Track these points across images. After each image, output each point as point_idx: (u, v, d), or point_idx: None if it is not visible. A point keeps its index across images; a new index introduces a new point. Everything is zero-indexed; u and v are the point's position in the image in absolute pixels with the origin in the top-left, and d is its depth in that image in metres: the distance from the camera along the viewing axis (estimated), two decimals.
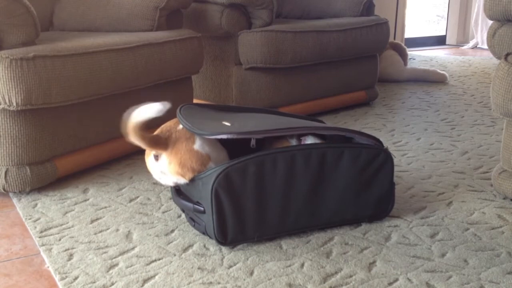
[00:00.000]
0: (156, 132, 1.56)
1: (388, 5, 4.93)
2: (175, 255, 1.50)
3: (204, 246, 1.55)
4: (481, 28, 5.62)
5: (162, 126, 1.59)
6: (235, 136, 1.46)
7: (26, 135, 1.84)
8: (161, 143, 1.51)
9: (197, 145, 1.51)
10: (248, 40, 2.66)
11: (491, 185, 1.95)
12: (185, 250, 1.53)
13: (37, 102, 1.80)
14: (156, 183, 2.00)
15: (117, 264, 1.45)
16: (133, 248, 1.54)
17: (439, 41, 5.94)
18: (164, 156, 1.51)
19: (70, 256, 1.49)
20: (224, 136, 1.45)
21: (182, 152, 1.49)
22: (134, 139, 1.45)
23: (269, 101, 2.74)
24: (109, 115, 2.15)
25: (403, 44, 4.20)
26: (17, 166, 1.85)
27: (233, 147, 1.59)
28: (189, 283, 1.37)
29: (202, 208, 1.51)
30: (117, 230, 1.65)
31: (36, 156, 1.88)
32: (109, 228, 1.66)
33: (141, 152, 2.31)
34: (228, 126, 1.51)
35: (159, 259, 1.48)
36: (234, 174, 1.48)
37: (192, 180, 1.52)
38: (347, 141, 1.67)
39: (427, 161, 2.25)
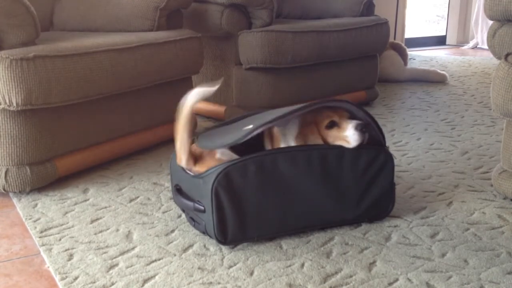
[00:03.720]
0: None
1: (388, 5, 4.92)
2: (175, 255, 1.50)
3: (204, 246, 1.55)
4: (481, 28, 5.62)
5: None
6: (264, 128, 1.52)
7: (26, 135, 1.84)
8: (193, 160, 1.58)
9: (219, 154, 1.57)
10: (248, 40, 2.66)
11: (491, 185, 1.95)
12: (185, 250, 1.53)
13: (37, 102, 1.80)
14: (156, 183, 2.00)
15: (117, 264, 1.45)
16: (133, 248, 1.54)
17: (439, 41, 5.94)
18: (195, 170, 1.57)
19: (70, 256, 1.49)
20: (256, 132, 1.50)
21: (208, 162, 1.55)
22: (181, 137, 1.54)
23: (269, 101, 2.74)
24: (109, 115, 2.15)
25: (403, 44, 4.20)
26: (17, 166, 1.85)
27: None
28: (189, 283, 1.37)
29: (202, 207, 1.51)
30: (117, 230, 1.64)
31: (36, 156, 1.88)
32: (109, 228, 1.66)
33: (141, 152, 2.32)
34: (251, 127, 1.53)
35: (159, 259, 1.48)
36: (234, 174, 1.48)
37: (193, 179, 1.53)
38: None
39: (427, 161, 2.25)
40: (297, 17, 3.31)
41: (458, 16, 5.86)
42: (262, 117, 1.64)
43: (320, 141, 1.60)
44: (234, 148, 1.60)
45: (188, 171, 1.57)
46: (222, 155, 1.56)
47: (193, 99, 1.54)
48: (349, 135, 1.58)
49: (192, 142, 1.62)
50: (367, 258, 1.49)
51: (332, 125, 1.60)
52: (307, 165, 1.55)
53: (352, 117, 1.62)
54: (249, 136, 1.49)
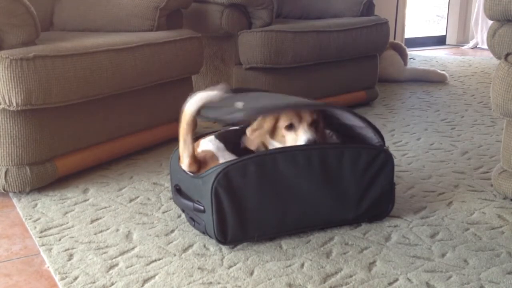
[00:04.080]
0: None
1: (388, 5, 4.92)
2: (175, 255, 1.50)
3: (204, 246, 1.55)
4: (481, 28, 5.62)
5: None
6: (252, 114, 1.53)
7: (26, 135, 1.84)
8: (197, 164, 1.57)
9: (221, 159, 1.56)
10: (248, 40, 2.66)
11: (491, 185, 1.95)
12: (185, 250, 1.53)
13: (37, 102, 1.80)
14: (156, 183, 2.00)
15: (117, 264, 1.45)
16: (133, 248, 1.54)
17: (439, 41, 5.94)
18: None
19: (70, 256, 1.49)
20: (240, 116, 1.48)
21: (211, 166, 1.54)
22: (184, 137, 1.53)
23: None
24: (109, 115, 2.15)
25: (403, 44, 4.20)
26: (17, 166, 1.85)
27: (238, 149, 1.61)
28: (189, 283, 1.37)
29: (202, 207, 1.51)
30: (117, 230, 1.64)
31: (36, 156, 1.88)
32: (109, 228, 1.66)
33: (141, 152, 2.32)
34: (241, 109, 1.52)
35: (159, 259, 1.48)
36: (234, 173, 1.48)
37: (192, 179, 1.53)
38: (350, 139, 1.67)
39: (427, 161, 2.25)
40: (297, 17, 3.31)
41: (458, 16, 5.86)
42: (261, 98, 1.64)
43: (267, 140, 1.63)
44: (232, 148, 1.60)
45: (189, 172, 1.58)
46: (224, 159, 1.56)
47: (196, 104, 1.52)
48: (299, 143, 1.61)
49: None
50: (367, 258, 1.49)
51: (291, 127, 1.62)
52: (307, 165, 1.55)
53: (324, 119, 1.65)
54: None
